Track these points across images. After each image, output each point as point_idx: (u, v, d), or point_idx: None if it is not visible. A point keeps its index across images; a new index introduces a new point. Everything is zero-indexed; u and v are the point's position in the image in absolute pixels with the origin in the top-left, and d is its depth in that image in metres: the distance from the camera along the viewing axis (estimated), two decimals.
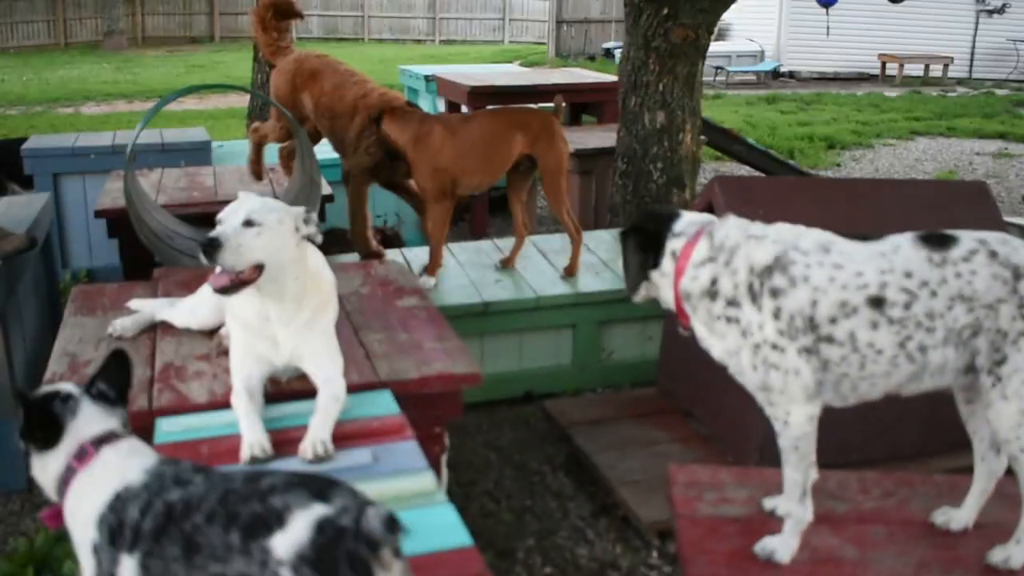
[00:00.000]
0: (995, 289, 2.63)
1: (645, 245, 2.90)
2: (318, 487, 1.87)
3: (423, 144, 5.38)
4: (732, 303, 2.77)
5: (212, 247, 2.95)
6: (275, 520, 1.81)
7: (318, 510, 1.80)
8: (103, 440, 2.16)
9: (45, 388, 2.26)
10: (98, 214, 5.69)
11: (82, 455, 2.13)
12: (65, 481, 2.13)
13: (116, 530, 1.99)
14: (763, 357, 2.72)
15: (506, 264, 5.87)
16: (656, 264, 2.89)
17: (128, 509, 1.99)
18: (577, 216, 7.77)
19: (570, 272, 5.72)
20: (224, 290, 3.05)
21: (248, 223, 3.01)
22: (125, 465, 2.09)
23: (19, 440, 2.20)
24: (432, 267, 5.57)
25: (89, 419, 2.19)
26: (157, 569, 1.94)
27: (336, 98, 5.63)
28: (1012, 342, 2.64)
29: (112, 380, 2.30)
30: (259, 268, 3.04)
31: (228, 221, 3.03)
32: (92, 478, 2.10)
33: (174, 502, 1.96)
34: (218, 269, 3.04)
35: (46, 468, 2.17)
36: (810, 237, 2.77)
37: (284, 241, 3.07)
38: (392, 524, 1.79)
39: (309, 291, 3.22)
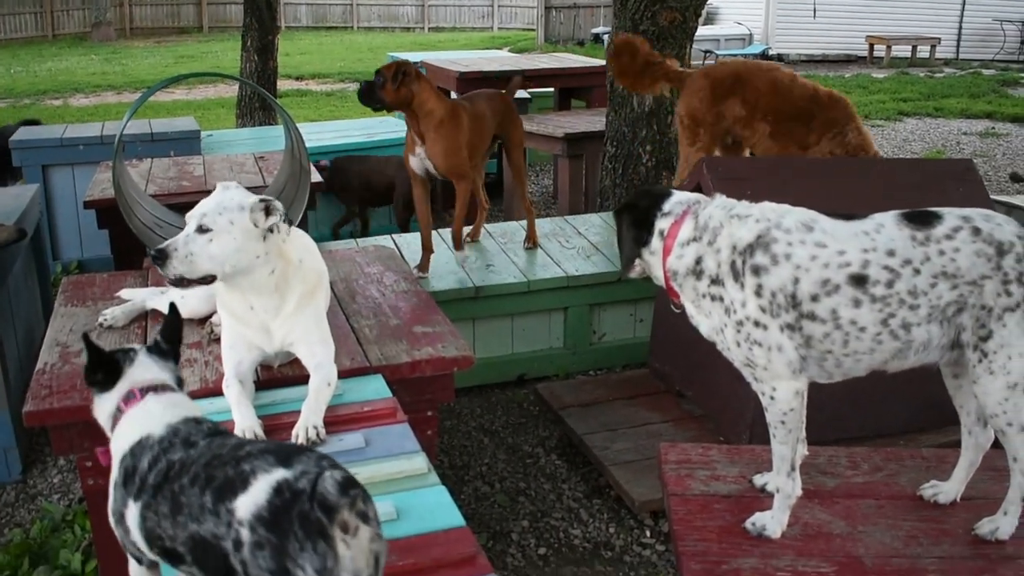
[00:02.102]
0: (979, 266, 2.65)
1: (637, 222, 2.94)
2: (285, 453, 1.92)
3: (450, 125, 5.35)
4: (716, 281, 2.80)
5: (160, 258, 2.91)
6: (240, 484, 1.87)
7: (279, 474, 1.85)
8: (151, 388, 2.28)
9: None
10: (87, 205, 5.68)
11: (130, 398, 2.27)
12: (114, 421, 2.27)
13: (130, 473, 2.11)
14: (746, 334, 2.75)
15: (473, 237, 6.14)
16: (647, 242, 2.92)
17: (143, 458, 2.10)
18: (567, 200, 7.83)
19: (532, 242, 6.02)
20: (178, 282, 2.99)
21: (200, 229, 2.94)
22: (157, 416, 2.20)
23: (85, 382, 2.35)
24: (458, 243, 5.68)
25: (144, 368, 2.33)
26: (151, 522, 2.03)
27: (782, 97, 5.65)
28: (997, 318, 2.66)
29: (169, 335, 2.45)
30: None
31: (188, 225, 2.97)
32: (131, 420, 2.23)
33: (174, 462, 2.05)
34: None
35: (102, 407, 2.31)
36: (793, 216, 2.79)
37: (240, 243, 2.96)
38: (346, 487, 1.81)
39: (292, 281, 3.17)
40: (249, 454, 1.93)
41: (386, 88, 5.18)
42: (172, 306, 2.50)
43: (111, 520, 2.17)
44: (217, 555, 1.89)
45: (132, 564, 2.25)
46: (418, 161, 5.39)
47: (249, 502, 1.83)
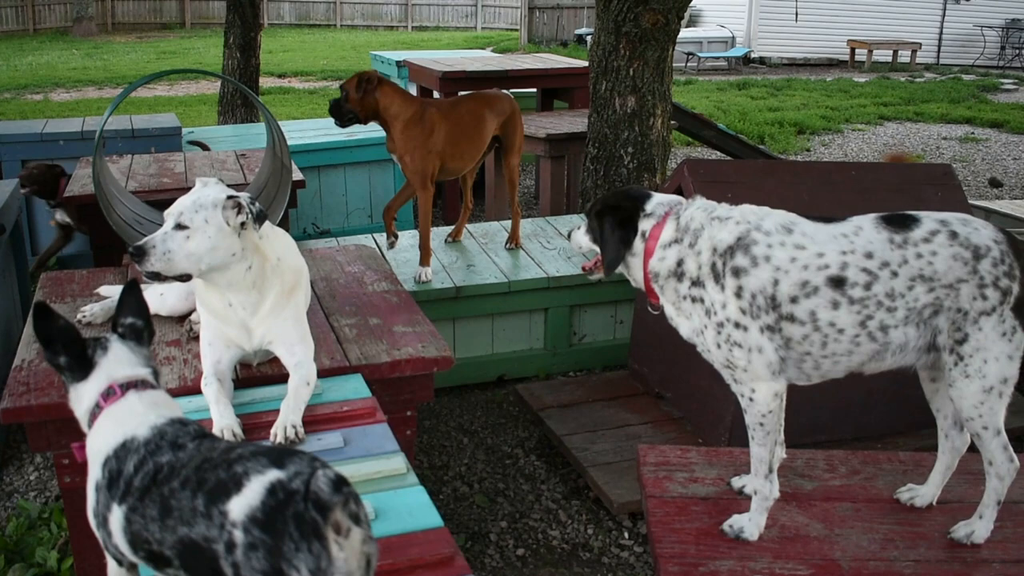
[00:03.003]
0: (955, 269, 2.66)
1: (622, 224, 2.92)
2: (278, 455, 1.91)
3: (417, 127, 5.33)
4: (696, 283, 2.80)
5: (138, 255, 2.91)
6: (234, 485, 1.86)
7: (272, 475, 1.84)
8: (132, 385, 2.23)
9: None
10: (67, 200, 5.65)
11: (109, 395, 2.20)
12: (93, 416, 2.21)
13: (114, 477, 2.07)
14: (726, 335, 2.76)
15: (455, 236, 6.14)
16: (631, 244, 2.92)
17: (128, 461, 2.06)
18: (549, 201, 7.82)
19: (515, 243, 6.00)
20: (153, 276, 2.99)
21: (178, 226, 2.94)
22: (140, 417, 2.15)
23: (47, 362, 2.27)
24: (425, 257, 5.49)
25: (120, 359, 2.26)
26: (137, 525, 2.00)
27: None
28: (973, 321, 2.68)
29: (136, 312, 2.37)
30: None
31: (166, 222, 2.97)
32: (111, 419, 2.17)
33: (162, 465, 2.02)
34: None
35: (80, 400, 2.25)
36: (773, 218, 2.80)
37: (215, 241, 2.96)
38: (339, 485, 1.80)
39: (270, 278, 3.16)
40: (241, 456, 1.92)
41: (351, 100, 5.27)
42: (130, 283, 2.43)
43: (92, 522, 2.14)
44: (207, 558, 1.87)
45: (111, 565, 2.23)
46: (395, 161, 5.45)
47: (243, 503, 1.82)
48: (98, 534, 2.14)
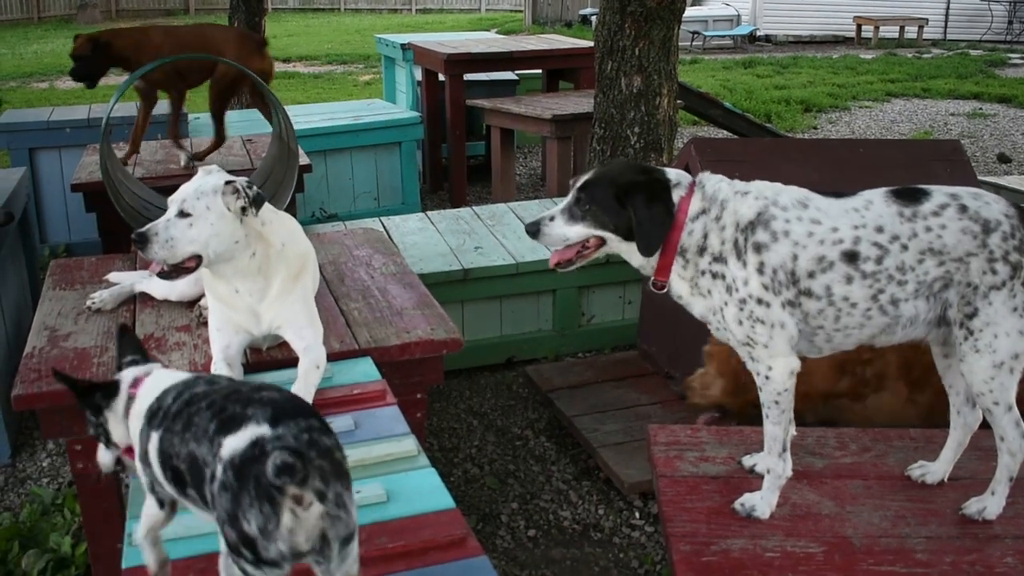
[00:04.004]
0: (965, 243, 2.65)
1: (659, 196, 2.76)
2: (281, 412, 1.94)
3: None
4: (718, 259, 2.75)
5: (141, 242, 2.91)
6: (236, 425, 1.91)
7: (262, 430, 1.88)
8: (151, 371, 2.28)
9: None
10: (75, 188, 5.65)
11: (136, 383, 2.25)
12: (127, 411, 2.23)
13: (154, 413, 2.13)
14: (749, 312, 2.72)
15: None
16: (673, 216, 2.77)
17: (166, 398, 2.13)
18: (556, 181, 7.79)
19: (199, 158, 6.20)
20: (165, 275, 3.02)
21: (181, 213, 2.93)
22: (174, 376, 2.23)
23: (88, 427, 2.31)
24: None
25: (135, 368, 2.32)
26: (166, 443, 2.06)
27: None
28: (983, 296, 2.66)
29: (133, 347, 2.43)
30: (197, 256, 2.98)
31: (169, 209, 2.97)
32: (146, 390, 2.22)
33: (197, 393, 2.09)
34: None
35: (116, 413, 2.26)
36: (788, 193, 2.77)
37: (218, 227, 2.96)
38: (282, 473, 1.81)
39: (275, 264, 3.16)
40: (258, 400, 1.97)
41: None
42: (120, 329, 2.49)
43: (139, 468, 2.18)
44: (202, 480, 1.95)
45: (149, 506, 2.24)
46: None
47: (232, 444, 1.87)
48: (144, 478, 2.18)
